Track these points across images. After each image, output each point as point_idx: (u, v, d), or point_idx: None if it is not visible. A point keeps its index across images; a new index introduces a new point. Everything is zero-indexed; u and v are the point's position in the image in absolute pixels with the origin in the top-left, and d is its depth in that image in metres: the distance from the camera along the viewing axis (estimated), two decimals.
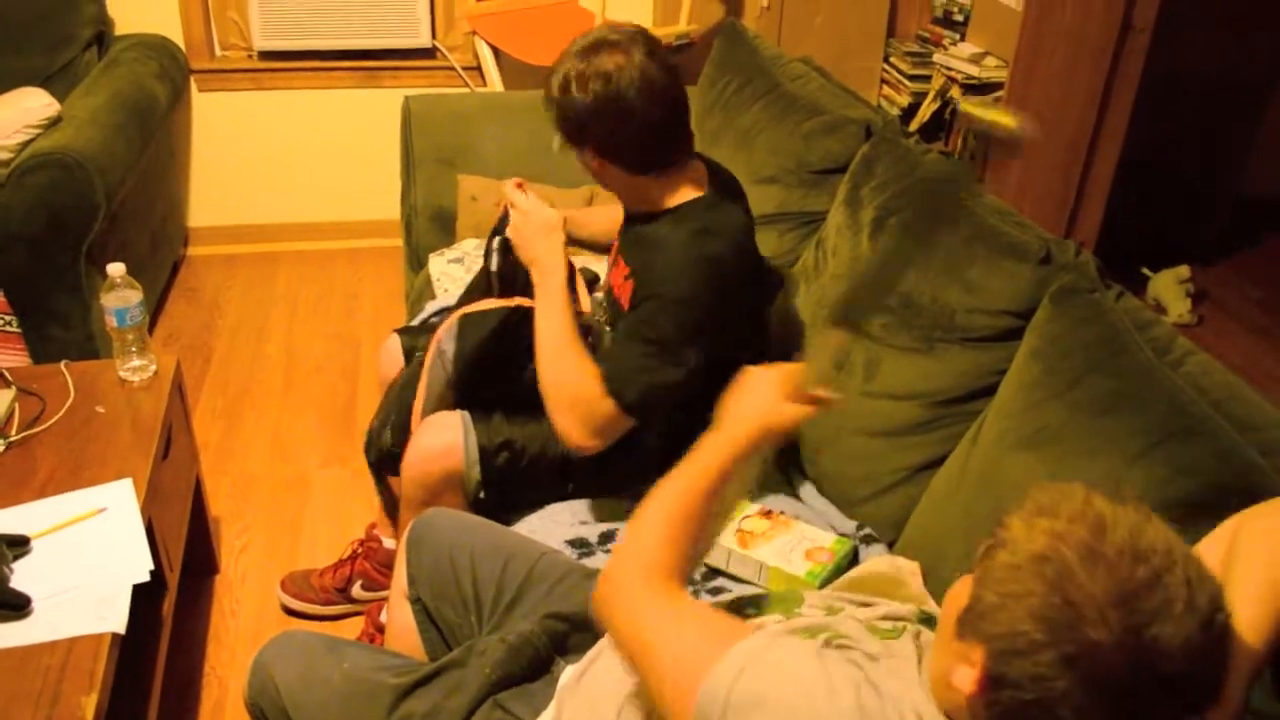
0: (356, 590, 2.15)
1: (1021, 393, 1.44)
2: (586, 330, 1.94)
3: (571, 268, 2.02)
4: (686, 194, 1.68)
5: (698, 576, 1.64)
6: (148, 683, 1.70)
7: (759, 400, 1.15)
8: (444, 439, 1.72)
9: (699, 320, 1.60)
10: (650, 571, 1.05)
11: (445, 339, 1.80)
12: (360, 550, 2.16)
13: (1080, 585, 0.77)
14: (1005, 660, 0.80)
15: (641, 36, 1.62)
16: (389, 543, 2.14)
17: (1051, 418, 1.36)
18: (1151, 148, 3.52)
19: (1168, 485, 1.18)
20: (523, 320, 1.75)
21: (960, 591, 0.87)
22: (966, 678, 0.84)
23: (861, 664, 0.95)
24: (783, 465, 1.86)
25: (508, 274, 1.81)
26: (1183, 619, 0.76)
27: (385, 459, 1.89)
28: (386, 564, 2.13)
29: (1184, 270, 3.60)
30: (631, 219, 1.75)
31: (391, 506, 2.08)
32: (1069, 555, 0.79)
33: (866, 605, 1.18)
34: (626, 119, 1.58)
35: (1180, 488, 1.17)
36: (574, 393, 1.61)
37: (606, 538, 1.67)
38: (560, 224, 1.73)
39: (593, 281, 2.09)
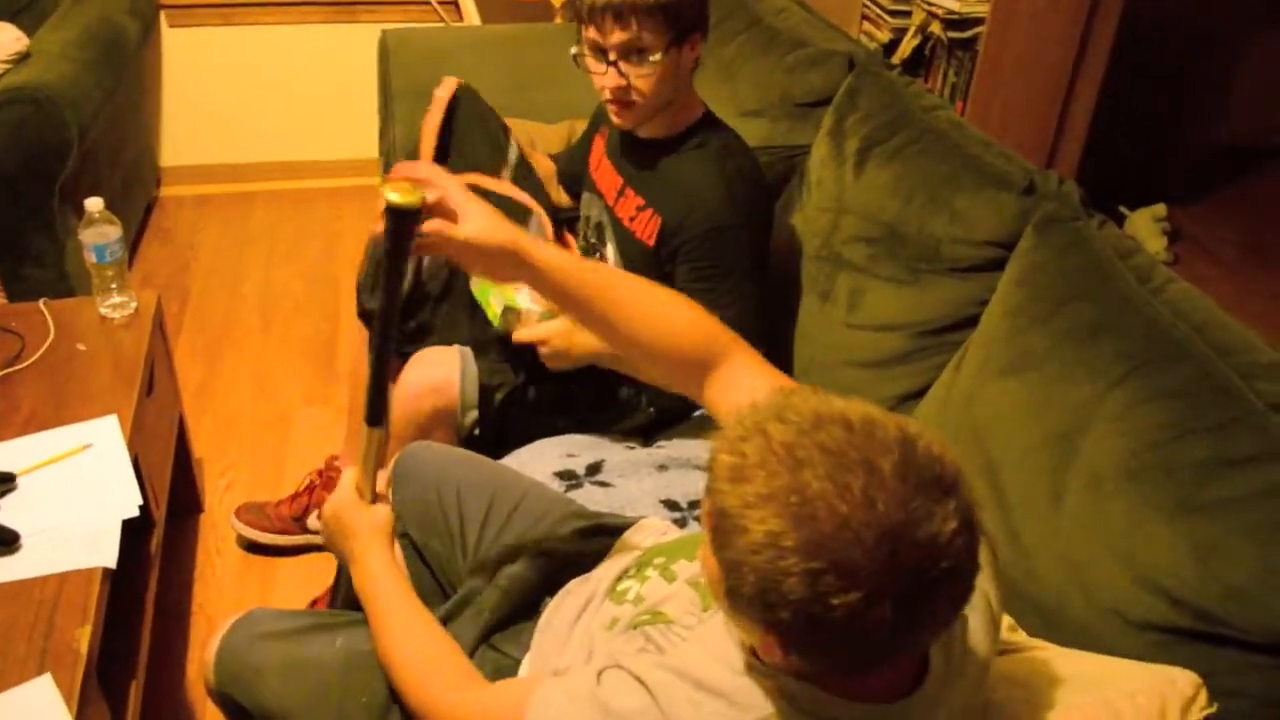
0: (312, 520, 2.16)
1: (1004, 320, 1.45)
2: None
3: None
4: (694, 109, 1.72)
5: (582, 470, 1.67)
6: (138, 619, 1.71)
7: (354, 516, 1.24)
8: (436, 375, 1.72)
9: (757, 237, 1.68)
10: (450, 689, 1.10)
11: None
12: (318, 480, 2.17)
13: (825, 538, 0.72)
14: (796, 633, 0.76)
15: None
16: None
17: (1034, 344, 1.37)
18: (1130, 87, 3.52)
19: (1148, 407, 1.20)
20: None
21: (712, 569, 0.81)
22: (771, 652, 0.81)
23: (648, 677, 0.92)
24: None
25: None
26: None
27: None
28: None
29: (1160, 209, 3.62)
30: (641, 148, 1.74)
31: None
32: (796, 510, 0.72)
33: None
34: None
35: (1161, 410, 1.18)
36: None
37: (594, 469, 1.68)
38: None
39: (567, 222, 2.07)
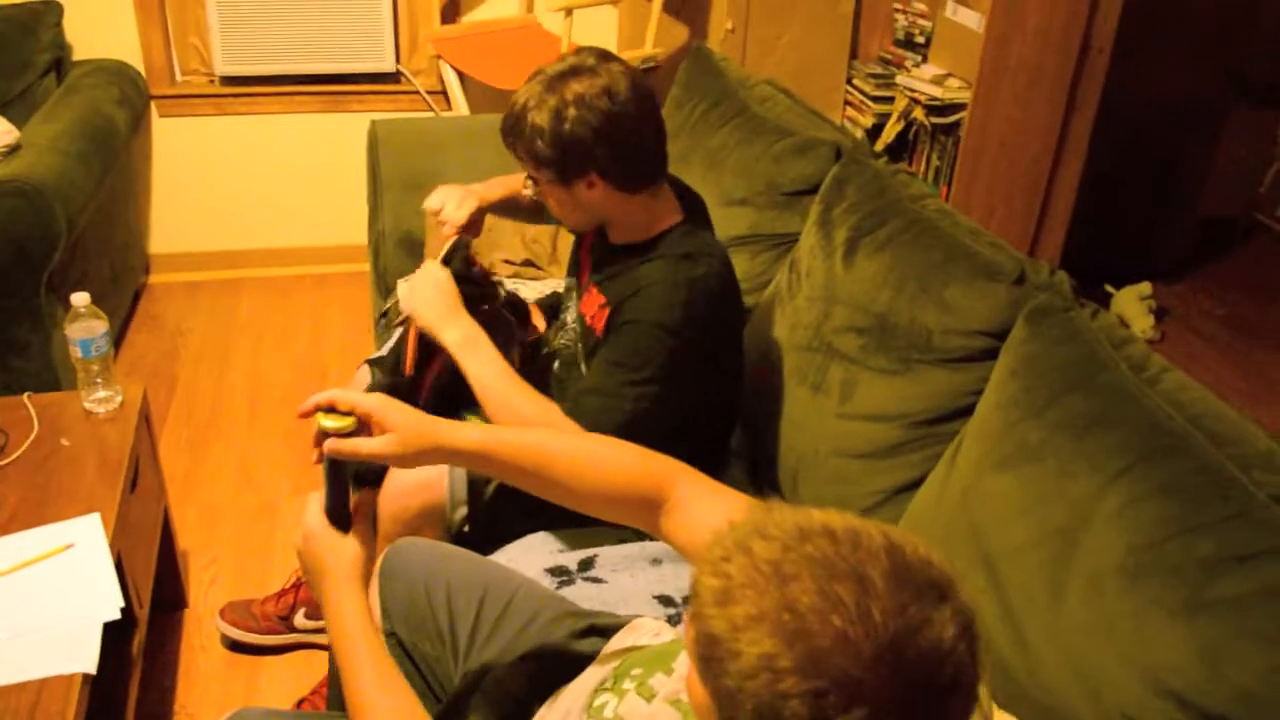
0: (299, 619, 2.11)
1: (999, 412, 1.44)
2: (553, 357, 1.94)
3: (523, 305, 2.02)
4: (666, 219, 1.68)
5: (574, 566, 1.65)
6: None
7: (324, 552, 1.19)
8: (425, 472, 1.69)
9: (683, 344, 1.59)
10: None
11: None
12: (304, 578, 2.12)
13: (823, 654, 0.69)
14: None
15: (606, 53, 1.63)
16: None
17: (1030, 437, 1.36)
18: (1112, 167, 3.57)
19: (1149, 504, 1.18)
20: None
21: (702, 699, 0.76)
22: None
23: None
24: (760, 490, 1.86)
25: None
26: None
27: None
28: None
29: (1146, 287, 3.65)
30: (610, 250, 1.73)
31: None
32: (789, 628, 0.70)
33: None
34: (634, 132, 1.59)
35: (1162, 505, 1.17)
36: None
37: (586, 564, 1.65)
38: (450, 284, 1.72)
39: (556, 306, 2.08)
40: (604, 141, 1.56)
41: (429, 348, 1.78)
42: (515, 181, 2.02)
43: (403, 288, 1.99)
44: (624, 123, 1.57)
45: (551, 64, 1.61)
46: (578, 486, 1.15)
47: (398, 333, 2.09)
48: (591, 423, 1.57)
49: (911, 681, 0.69)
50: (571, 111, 1.55)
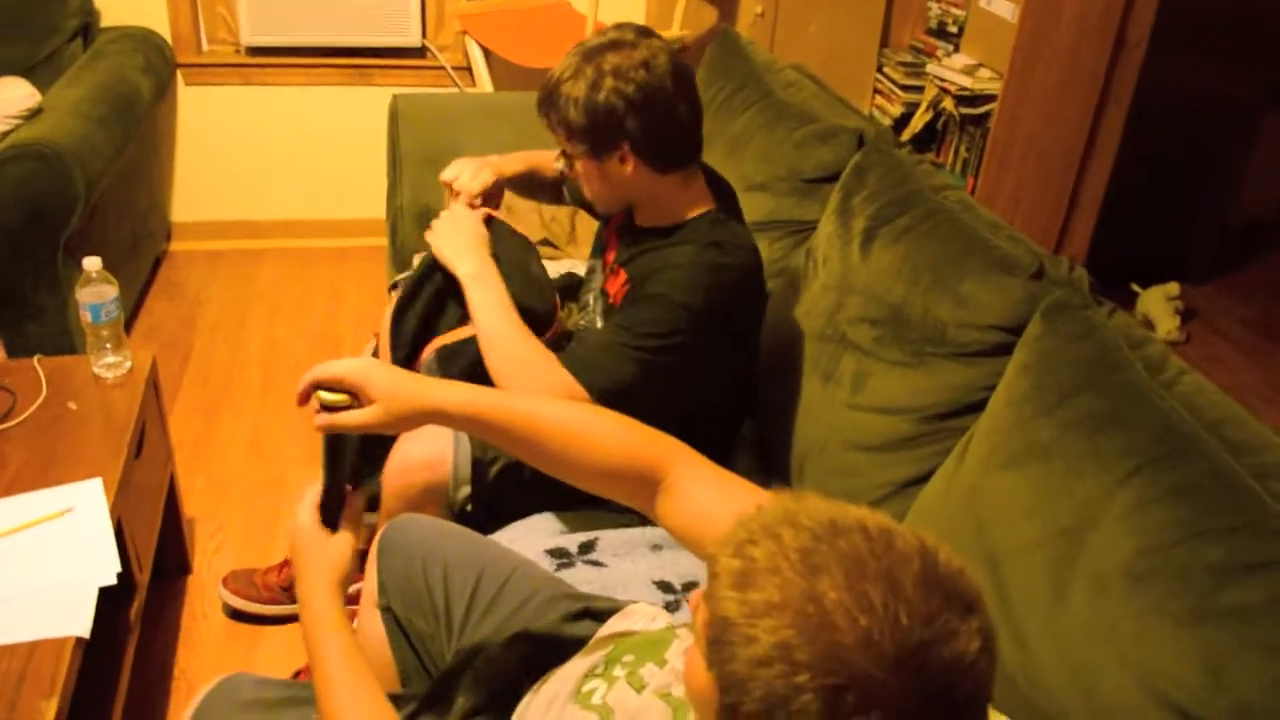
0: None
1: (1010, 409, 1.41)
2: (571, 337, 1.92)
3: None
4: (697, 206, 1.66)
5: (574, 548, 1.63)
6: (112, 687, 1.66)
7: (308, 549, 1.17)
8: (429, 450, 1.68)
9: (694, 325, 1.57)
10: None
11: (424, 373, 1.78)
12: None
13: (845, 651, 0.66)
14: None
15: (646, 30, 1.61)
16: None
17: (1040, 435, 1.33)
18: (1143, 164, 3.51)
19: (1158, 506, 1.15)
20: None
21: (704, 684, 0.73)
22: None
23: None
24: (766, 479, 1.84)
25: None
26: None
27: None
28: None
29: (1173, 287, 3.59)
30: (639, 233, 1.71)
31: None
32: (813, 621, 0.67)
33: None
34: (669, 108, 1.57)
35: (1171, 509, 1.14)
36: (543, 383, 1.57)
37: (586, 548, 1.64)
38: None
39: (573, 287, 2.06)
40: (636, 113, 1.55)
41: (423, 333, 1.77)
42: (537, 156, 1.99)
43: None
44: (659, 97, 1.56)
45: (591, 38, 1.60)
46: (571, 457, 1.11)
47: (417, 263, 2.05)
48: (580, 372, 1.56)
49: (930, 690, 0.66)
50: (608, 81, 1.54)
